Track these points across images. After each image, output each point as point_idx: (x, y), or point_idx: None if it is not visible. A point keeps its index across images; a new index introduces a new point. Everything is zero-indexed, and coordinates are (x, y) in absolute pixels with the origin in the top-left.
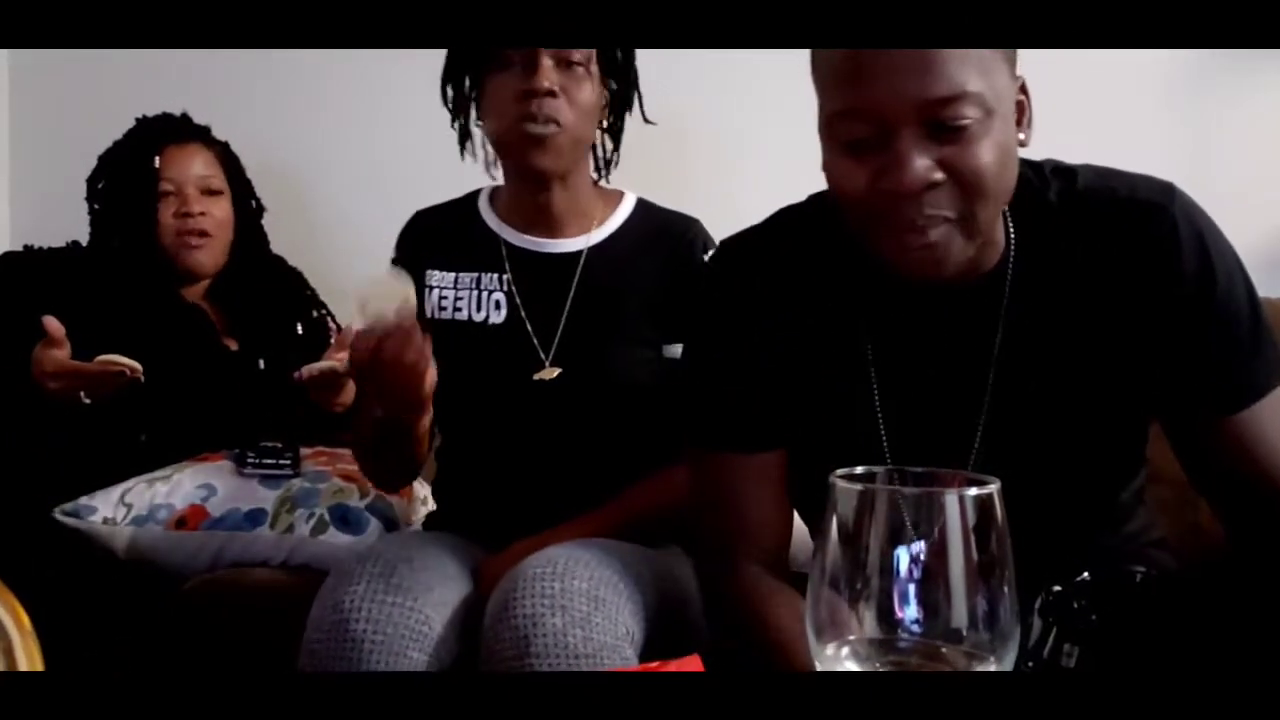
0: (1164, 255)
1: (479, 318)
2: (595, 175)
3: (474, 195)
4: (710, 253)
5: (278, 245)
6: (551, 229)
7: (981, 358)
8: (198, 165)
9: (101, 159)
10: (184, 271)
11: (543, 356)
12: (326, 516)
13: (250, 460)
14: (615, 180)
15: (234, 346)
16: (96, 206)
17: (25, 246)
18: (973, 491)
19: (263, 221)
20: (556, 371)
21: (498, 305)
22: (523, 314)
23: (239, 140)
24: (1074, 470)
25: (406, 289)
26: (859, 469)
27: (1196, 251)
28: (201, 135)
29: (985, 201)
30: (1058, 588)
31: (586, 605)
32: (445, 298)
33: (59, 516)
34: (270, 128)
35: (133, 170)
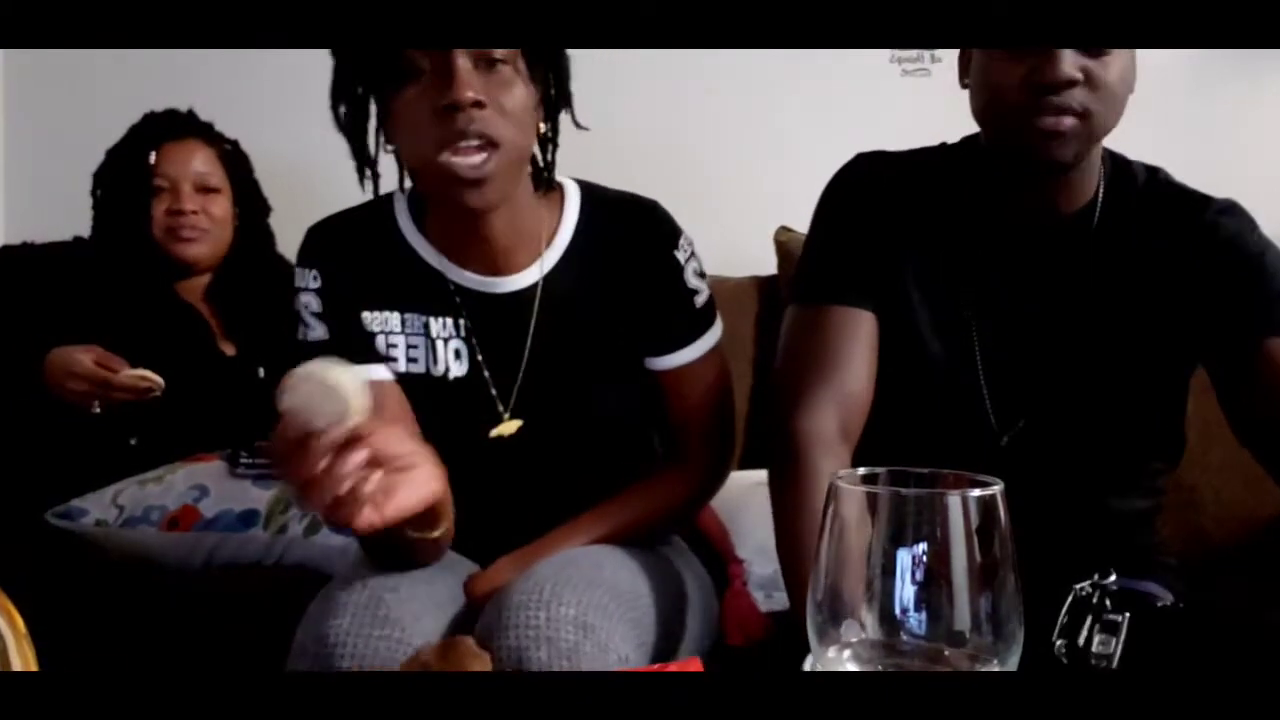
0: (1222, 226)
1: (438, 371)
2: (533, 185)
3: (386, 205)
4: (681, 238)
5: (286, 246)
6: (498, 262)
7: (1069, 282)
8: (196, 162)
9: (108, 154)
10: (177, 264)
11: (500, 409)
12: (320, 517)
13: (243, 461)
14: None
15: (232, 350)
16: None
17: (24, 243)
18: (975, 493)
19: (271, 221)
20: (516, 425)
21: (458, 355)
22: (482, 363)
23: (249, 139)
24: (1129, 371)
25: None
26: (861, 470)
27: (1247, 228)
28: (203, 132)
29: (1107, 110)
30: (1086, 584)
31: (574, 634)
32: (395, 345)
33: (51, 519)
34: (280, 127)
35: (128, 166)
